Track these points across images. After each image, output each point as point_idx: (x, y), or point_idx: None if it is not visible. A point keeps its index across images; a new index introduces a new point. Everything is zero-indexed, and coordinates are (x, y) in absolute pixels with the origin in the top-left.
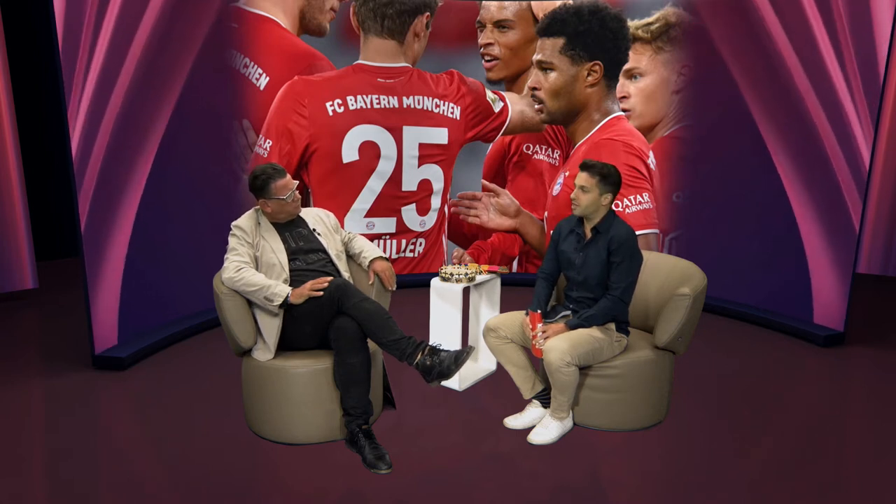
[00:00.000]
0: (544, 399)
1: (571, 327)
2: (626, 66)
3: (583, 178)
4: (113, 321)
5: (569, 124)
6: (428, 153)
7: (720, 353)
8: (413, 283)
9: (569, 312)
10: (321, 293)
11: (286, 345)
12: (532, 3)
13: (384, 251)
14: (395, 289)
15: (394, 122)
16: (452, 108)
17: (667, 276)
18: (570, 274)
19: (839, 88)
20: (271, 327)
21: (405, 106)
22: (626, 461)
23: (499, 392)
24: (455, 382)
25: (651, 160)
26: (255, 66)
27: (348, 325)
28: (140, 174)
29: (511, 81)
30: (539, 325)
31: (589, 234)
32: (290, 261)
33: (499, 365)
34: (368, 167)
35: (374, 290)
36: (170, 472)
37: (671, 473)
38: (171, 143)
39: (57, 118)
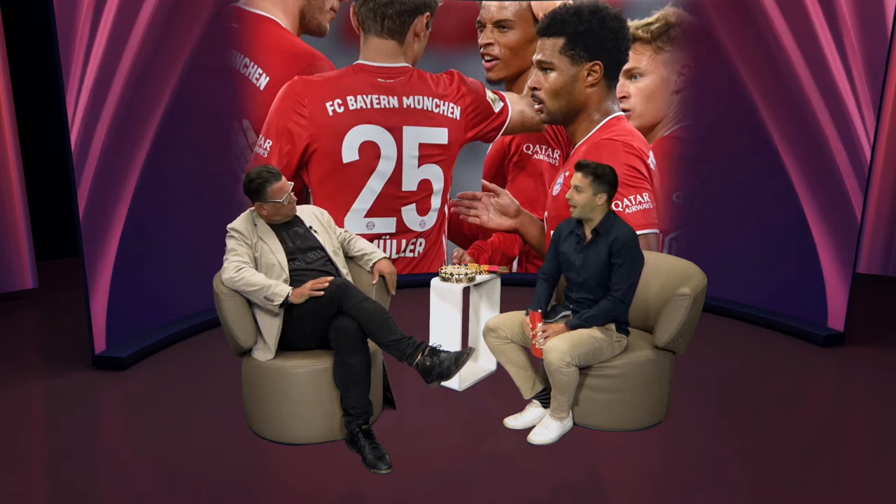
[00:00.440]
0: (544, 399)
1: (571, 327)
2: (626, 66)
3: (577, 178)
4: (112, 321)
5: (569, 124)
6: (428, 153)
7: (720, 353)
8: (413, 283)
9: (569, 312)
10: (321, 293)
11: (286, 345)
12: (532, 3)
13: (384, 251)
14: (395, 293)
15: (394, 122)
16: (452, 108)
17: (667, 276)
18: (570, 275)
19: (841, 87)
20: (271, 327)
21: (405, 106)
22: (626, 461)
23: (499, 392)
24: (455, 382)
25: (651, 160)
26: (255, 66)
27: (348, 325)
28: (139, 174)
29: (511, 81)
30: (539, 325)
31: (589, 236)
32: (289, 261)
33: (499, 365)
34: (368, 167)
35: (374, 290)
36: (170, 472)
37: (671, 473)
38: (171, 143)
39: (57, 118)
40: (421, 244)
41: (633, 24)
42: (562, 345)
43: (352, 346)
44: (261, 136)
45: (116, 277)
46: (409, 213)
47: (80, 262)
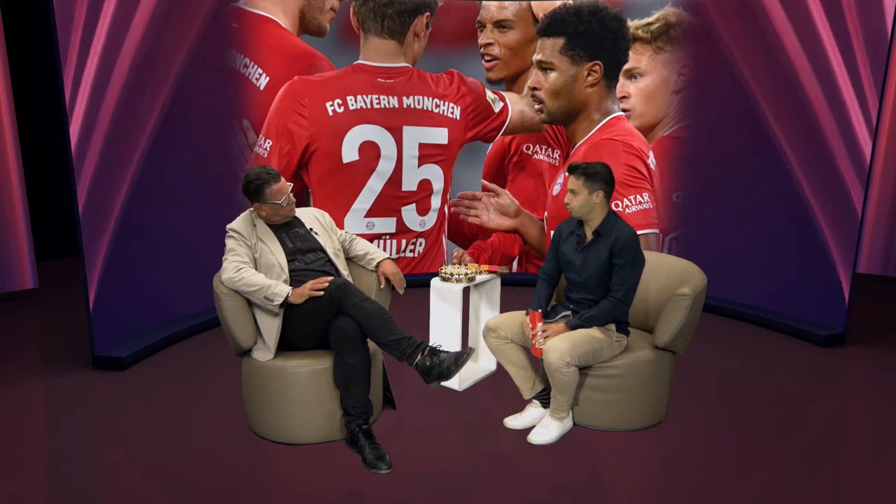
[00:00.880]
0: (544, 399)
1: (572, 327)
2: (626, 66)
3: (570, 181)
4: (112, 321)
5: (569, 124)
6: (428, 153)
7: (720, 353)
8: (413, 283)
9: (569, 312)
10: (321, 293)
11: (286, 345)
12: (532, 3)
13: (384, 251)
14: (403, 292)
15: (394, 122)
16: (452, 108)
17: (667, 276)
18: (571, 275)
19: (843, 85)
20: (271, 327)
21: (405, 106)
22: (626, 461)
23: (499, 392)
24: (455, 382)
25: (651, 160)
26: (255, 66)
27: (348, 325)
28: (139, 174)
29: (511, 81)
30: (539, 325)
31: (589, 237)
32: (288, 261)
33: (499, 365)
34: (368, 167)
35: (375, 291)
36: (170, 472)
37: (671, 473)
38: (171, 143)
39: (57, 118)
40: (421, 244)
41: (633, 24)
42: (562, 345)
43: (352, 346)
44: (261, 136)
45: (116, 277)
46: (409, 213)
47: (80, 261)
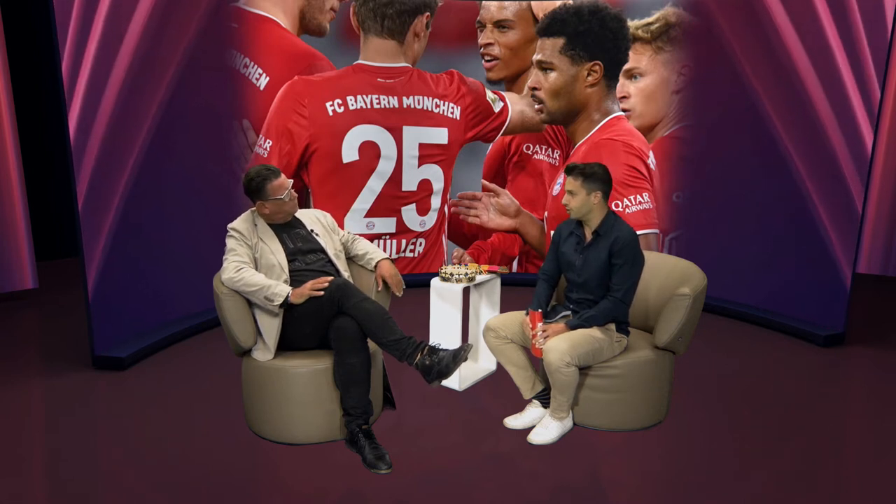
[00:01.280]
0: (544, 399)
1: (572, 327)
2: (626, 66)
3: (568, 182)
4: (112, 321)
5: (569, 124)
6: (428, 153)
7: (720, 353)
8: (413, 283)
9: (569, 312)
10: (321, 293)
11: (286, 345)
12: (532, 3)
13: (384, 251)
14: (401, 294)
15: (394, 122)
16: (452, 108)
17: (667, 276)
18: (570, 276)
19: (848, 83)
20: (271, 327)
21: (405, 106)
22: (626, 461)
23: (499, 392)
24: (455, 382)
25: (651, 160)
26: (255, 66)
27: (348, 325)
28: (139, 174)
29: (511, 81)
30: (539, 325)
31: (589, 237)
32: (289, 262)
33: (499, 365)
34: (368, 167)
35: (374, 291)
36: (170, 472)
37: (671, 473)
38: (171, 143)
39: (57, 118)
40: (421, 244)
41: (633, 24)
42: (561, 345)
43: (352, 346)
44: (261, 136)
45: (116, 277)
46: (409, 213)
47: (80, 261)
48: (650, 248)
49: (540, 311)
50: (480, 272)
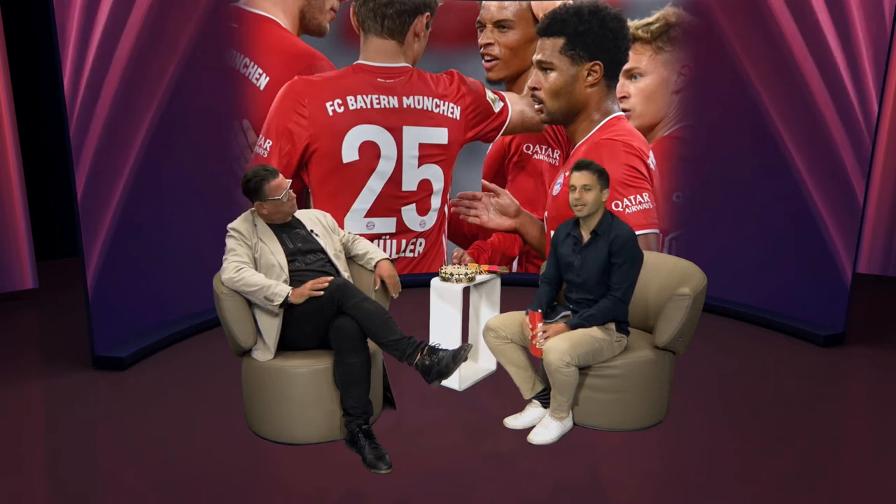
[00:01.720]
0: (544, 399)
1: (572, 327)
2: (626, 66)
3: (585, 176)
4: (112, 321)
5: (569, 124)
6: (428, 153)
7: (720, 353)
8: (413, 283)
9: (568, 312)
10: (321, 293)
11: (286, 345)
12: (532, 3)
13: (384, 251)
14: (397, 296)
15: (394, 122)
16: (452, 108)
17: (667, 276)
18: (570, 276)
19: (848, 83)
20: (271, 327)
21: (405, 106)
22: (626, 461)
23: (499, 392)
24: (455, 382)
25: (651, 160)
26: (255, 66)
27: (348, 325)
28: (139, 174)
29: (511, 81)
30: (539, 325)
31: (587, 237)
32: (289, 262)
33: (499, 365)
34: (368, 167)
35: (374, 292)
36: (170, 472)
37: (671, 473)
38: (171, 143)
39: (57, 118)
40: (421, 244)
41: (633, 24)
42: (561, 345)
43: (352, 346)
44: (261, 136)
45: (116, 277)
46: (409, 213)
47: (80, 261)
48: (650, 248)
49: (540, 311)
50: (480, 272)
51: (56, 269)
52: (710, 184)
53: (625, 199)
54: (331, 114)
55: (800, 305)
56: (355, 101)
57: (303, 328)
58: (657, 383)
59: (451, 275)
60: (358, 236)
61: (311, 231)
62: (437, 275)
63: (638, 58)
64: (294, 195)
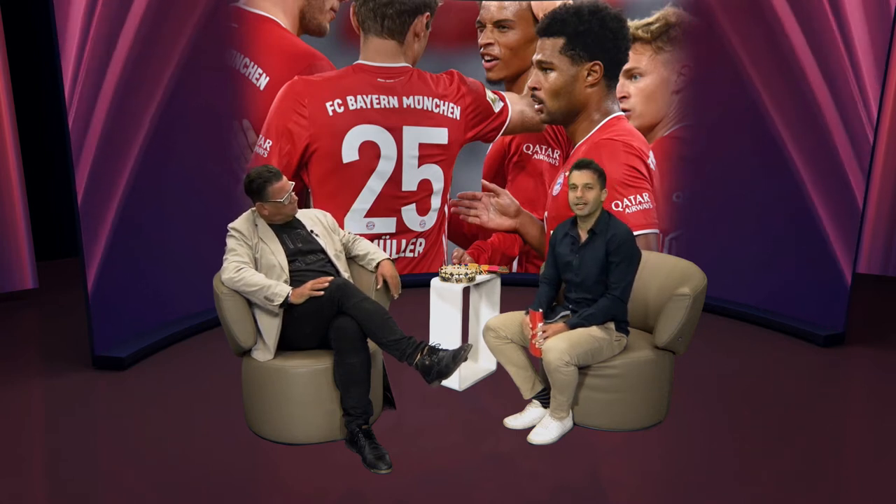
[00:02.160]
0: (544, 399)
1: (571, 326)
2: (626, 66)
3: (586, 175)
4: (112, 321)
5: (569, 124)
6: (428, 153)
7: (720, 353)
8: (413, 283)
9: (568, 312)
10: (322, 293)
11: (286, 345)
12: (532, 3)
13: (384, 251)
14: (397, 297)
15: (394, 122)
16: (452, 108)
17: (667, 276)
18: (569, 276)
19: (850, 83)
20: (271, 327)
21: (405, 106)
22: (626, 461)
23: (499, 392)
24: (455, 382)
25: (651, 160)
26: (255, 66)
27: (348, 325)
28: (139, 174)
29: (511, 81)
30: (539, 325)
31: (584, 236)
32: (289, 262)
33: (499, 365)
34: (368, 167)
35: (374, 291)
36: (170, 472)
37: (671, 473)
38: (171, 143)
39: (57, 118)
40: (421, 244)
41: (633, 24)
42: (561, 344)
43: (352, 346)
44: (261, 136)
45: (116, 277)
46: (409, 213)
47: (80, 261)
48: (650, 248)
49: (540, 311)
50: (480, 272)
51: (56, 269)
52: (710, 184)
53: (625, 199)
54: (331, 114)
55: (800, 305)
56: (355, 101)
57: (303, 328)
58: (657, 383)
59: (451, 275)
60: (358, 236)
61: (312, 231)
62: (437, 275)
63: (638, 58)
64: (296, 197)
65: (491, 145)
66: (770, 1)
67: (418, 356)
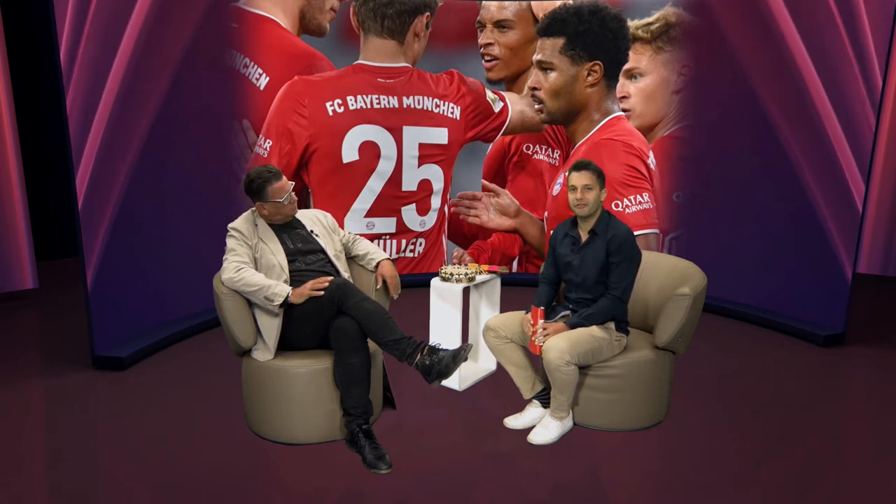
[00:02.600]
0: (544, 399)
1: (571, 326)
2: (626, 66)
3: (585, 176)
4: (112, 321)
5: (569, 124)
6: (428, 153)
7: (720, 353)
8: (413, 283)
9: (568, 312)
10: (322, 293)
11: (286, 345)
12: (532, 3)
13: (384, 251)
14: (397, 297)
15: (394, 122)
16: (452, 108)
17: (667, 276)
18: (569, 276)
19: (848, 83)
20: (271, 327)
21: (405, 106)
22: (626, 461)
23: (499, 392)
24: (455, 382)
25: (651, 160)
26: (255, 66)
27: (348, 325)
28: (139, 174)
29: (511, 81)
30: (540, 322)
31: (585, 237)
32: (289, 262)
33: (499, 365)
34: (368, 167)
35: (374, 291)
36: (170, 472)
37: (671, 473)
38: (170, 143)
39: (57, 118)
40: (421, 244)
41: (633, 24)
42: (561, 343)
43: (352, 346)
44: (261, 136)
45: (116, 277)
46: (409, 213)
47: (80, 261)
48: (650, 248)
49: (542, 308)
50: (480, 272)
51: (56, 269)
52: (710, 184)
53: (625, 199)
54: (331, 114)
55: (800, 305)
56: (355, 101)
57: (303, 328)
58: (657, 383)
59: (451, 275)
60: (358, 236)
61: (312, 231)
62: (437, 275)
63: (638, 58)
64: (296, 197)
65: (491, 145)
66: (770, 1)
67: (418, 356)
